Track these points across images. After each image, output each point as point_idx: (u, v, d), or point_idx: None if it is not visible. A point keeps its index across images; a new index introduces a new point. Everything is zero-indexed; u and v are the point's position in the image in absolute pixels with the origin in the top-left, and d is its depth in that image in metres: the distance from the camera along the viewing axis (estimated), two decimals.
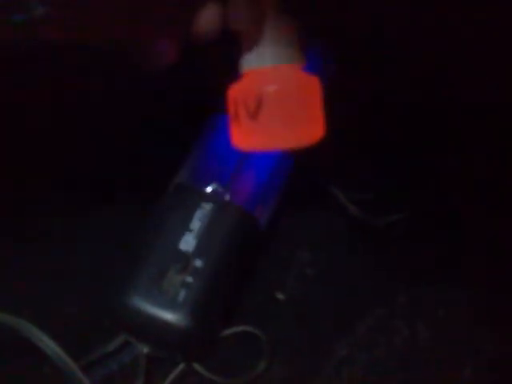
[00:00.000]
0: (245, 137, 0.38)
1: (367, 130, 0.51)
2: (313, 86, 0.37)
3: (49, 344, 0.39)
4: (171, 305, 0.40)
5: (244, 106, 0.36)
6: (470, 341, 0.45)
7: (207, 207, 0.43)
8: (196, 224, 0.42)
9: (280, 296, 0.48)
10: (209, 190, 0.44)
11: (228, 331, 0.44)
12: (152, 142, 0.51)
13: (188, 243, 0.42)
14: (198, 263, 0.41)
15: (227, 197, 0.44)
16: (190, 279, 0.40)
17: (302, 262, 0.49)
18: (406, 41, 0.49)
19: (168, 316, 0.40)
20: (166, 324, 0.39)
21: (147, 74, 0.35)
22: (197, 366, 0.43)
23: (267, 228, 0.47)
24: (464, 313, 0.46)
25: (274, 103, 0.36)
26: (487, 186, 0.50)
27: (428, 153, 0.51)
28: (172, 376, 0.43)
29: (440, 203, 0.50)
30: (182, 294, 0.40)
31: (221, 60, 0.42)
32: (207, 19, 0.33)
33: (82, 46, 0.30)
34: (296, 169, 0.49)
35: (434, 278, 0.48)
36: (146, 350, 0.42)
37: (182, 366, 0.43)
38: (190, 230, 0.42)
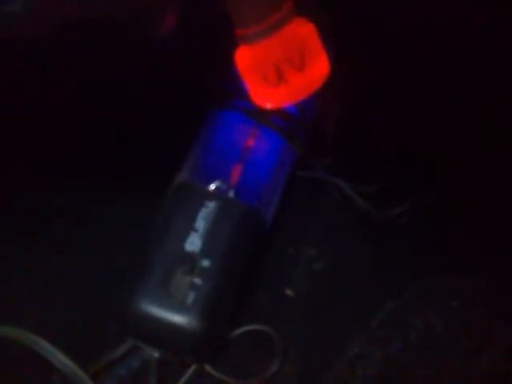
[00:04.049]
0: (289, 93, 0.41)
1: (370, 121, 0.50)
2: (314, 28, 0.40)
3: (56, 354, 0.38)
4: (181, 308, 0.39)
5: (289, 63, 0.39)
6: (485, 331, 0.45)
7: (211, 205, 0.42)
8: (200, 223, 0.41)
9: (289, 293, 0.47)
10: (212, 187, 0.43)
11: (238, 330, 0.43)
12: (151, 139, 0.50)
13: (194, 243, 0.41)
14: (205, 263, 0.40)
15: (231, 194, 0.43)
16: (197, 280, 0.39)
17: (309, 258, 0.48)
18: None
19: (178, 319, 0.39)
20: (176, 327, 0.39)
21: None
22: (208, 368, 0.42)
23: (272, 224, 0.46)
24: (478, 303, 0.46)
25: (315, 49, 0.40)
26: (491, 175, 0.49)
27: (433, 144, 0.50)
28: (184, 379, 0.42)
29: (449, 193, 0.49)
30: (191, 296, 0.39)
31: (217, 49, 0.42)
32: None
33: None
34: (300, 163, 0.48)
35: (445, 268, 0.47)
36: (156, 354, 0.41)
37: (193, 368, 0.42)
38: (196, 230, 0.41)
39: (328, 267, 0.48)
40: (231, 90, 0.46)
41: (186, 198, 0.43)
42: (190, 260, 0.40)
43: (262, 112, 0.45)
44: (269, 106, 0.43)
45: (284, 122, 0.46)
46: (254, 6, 0.38)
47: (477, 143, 0.50)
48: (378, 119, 0.50)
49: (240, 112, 0.46)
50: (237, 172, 0.44)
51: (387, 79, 0.50)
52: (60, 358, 0.38)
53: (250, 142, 0.45)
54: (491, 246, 0.47)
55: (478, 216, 0.48)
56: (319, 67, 0.41)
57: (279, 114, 0.46)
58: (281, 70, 0.39)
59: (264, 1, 0.37)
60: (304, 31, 0.40)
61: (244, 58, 0.40)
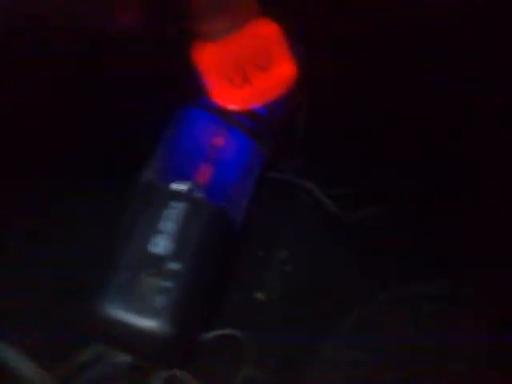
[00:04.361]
0: (254, 95, 0.40)
1: (340, 122, 0.49)
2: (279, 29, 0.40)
3: (21, 360, 0.36)
4: (149, 311, 0.37)
5: (254, 63, 0.38)
6: (457, 335, 0.44)
7: (179, 206, 0.41)
8: (168, 225, 0.40)
9: (260, 296, 0.46)
10: (179, 187, 0.41)
11: (210, 335, 0.42)
12: (117, 136, 0.48)
13: (161, 245, 0.39)
14: (174, 266, 0.39)
15: (199, 194, 0.42)
16: (166, 283, 0.38)
17: (280, 260, 0.47)
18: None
19: (147, 323, 0.37)
20: (145, 332, 0.37)
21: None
22: (180, 373, 0.40)
23: (242, 226, 0.45)
24: (449, 307, 0.45)
25: (280, 50, 0.39)
26: (463, 177, 0.49)
27: (403, 147, 0.50)
28: None
29: (417, 196, 0.49)
30: (160, 300, 0.37)
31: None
32: None
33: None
34: (269, 165, 0.47)
35: (416, 272, 0.46)
36: (128, 359, 0.39)
37: (164, 374, 0.41)
38: (162, 232, 0.40)
39: (299, 269, 0.47)
40: (198, 87, 0.45)
41: (153, 199, 0.41)
42: (158, 262, 0.38)
43: (229, 111, 0.44)
44: (232, 107, 0.42)
45: (251, 121, 0.45)
46: (219, 2, 0.37)
47: (447, 145, 0.50)
48: (348, 120, 0.50)
49: (207, 110, 0.45)
50: (204, 171, 0.43)
51: (357, 80, 0.49)
52: (25, 364, 0.36)
53: (218, 141, 0.44)
54: (464, 249, 0.47)
55: (447, 218, 0.48)
56: (285, 69, 0.41)
57: (247, 113, 0.45)
58: (245, 71, 0.38)
59: None
60: (268, 31, 0.39)
61: (204, 56, 0.39)
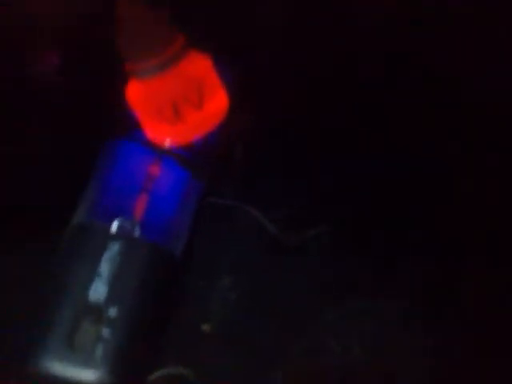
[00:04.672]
0: (187, 131, 0.40)
1: (279, 146, 0.49)
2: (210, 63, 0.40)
3: None
4: (88, 362, 0.36)
5: (186, 101, 0.37)
6: (402, 351, 0.44)
7: (115, 247, 0.39)
8: (104, 268, 0.39)
9: (206, 328, 0.45)
10: (114, 226, 0.40)
11: (155, 375, 0.41)
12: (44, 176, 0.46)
13: (98, 291, 0.38)
14: (112, 312, 0.37)
15: (136, 232, 0.40)
16: (105, 331, 0.37)
17: (223, 288, 0.46)
18: None
19: (86, 375, 0.36)
20: None
21: None
22: None
23: (182, 258, 0.44)
24: (393, 324, 0.45)
25: (212, 85, 0.39)
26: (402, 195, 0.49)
27: (343, 169, 0.50)
28: None
29: (354, 216, 0.49)
30: (99, 349, 0.36)
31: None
32: None
33: None
34: (208, 191, 0.46)
35: (362, 290, 0.46)
36: None
37: None
38: (99, 276, 0.38)
39: (243, 296, 0.46)
40: (128, 120, 0.44)
41: (87, 241, 0.40)
42: (96, 309, 0.37)
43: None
44: (166, 143, 0.41)
45: (186, 151, 0.44)
46: (143, 40, 0.35)
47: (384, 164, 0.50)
48: (287, 145, 0.49)
49: (139, 142, 0.44)
50: (140, 207, 0.42)
51: (295, 105, 0.49)
52: None
53: (152, 175, 0.43)
54: (404, 265, 0.47)
55: (384, 235, 0.48)
56: (217, 103, 0.40)
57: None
58: (177, 107, 0.37)
59: (154, 35, 0.35)
60: (198, 66, 0.38)
61: (136, 93, 0.38)
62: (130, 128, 0.43)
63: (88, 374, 0.36)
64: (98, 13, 0.37)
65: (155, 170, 0.43)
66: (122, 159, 0.44)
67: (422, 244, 0.47)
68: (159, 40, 0.35)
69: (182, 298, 0.45)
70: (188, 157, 0.44)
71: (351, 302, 0.46)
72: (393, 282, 0.46)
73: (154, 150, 0.43)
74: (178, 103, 0.37)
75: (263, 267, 0.47)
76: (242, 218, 0.48)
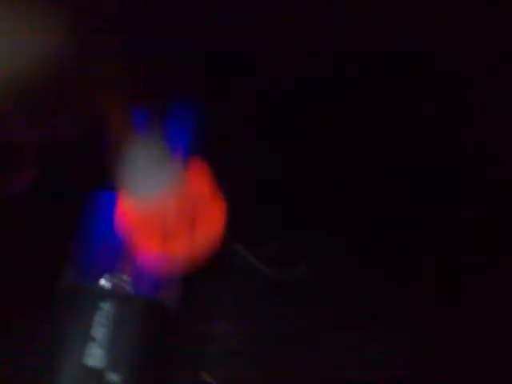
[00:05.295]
0: (183, 249, 0.40)
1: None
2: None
3: None
4: None
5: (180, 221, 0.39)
6: None
7: (106, 306, 0.37)
8: (99, 331, 0.37)
9: (206, 377, 0.43)
10: (104, 284, 0.38)
11: None
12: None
13: (96, 356, 0.36)
14: (113, 377, 0.35)
15: (127, 288, 0.39)
16: None
17: (222, 335, 0.45)
18: None
19: None
20: None
21: None
22: None
23: (177, 308, 0.42)
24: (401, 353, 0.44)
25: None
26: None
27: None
28: None
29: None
30: None
31: None
32: None
33: None
34: None
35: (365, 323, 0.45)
36: None
37: None
38: (94, 340, 0.36)
39: (244, 342, 0.44)
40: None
41: (78, 303, 0.38)
42: (96, 377, 0.35)
43: None
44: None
45: None
46: None
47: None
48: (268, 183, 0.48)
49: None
50: (127, 261, 0.40)
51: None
52: None
53: None
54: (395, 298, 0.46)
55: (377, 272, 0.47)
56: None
57: None
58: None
59: None
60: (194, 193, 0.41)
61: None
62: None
63: None
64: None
65: None
66: (104, 212, 0.42)
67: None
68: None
69: (182, 347, 0.43)
70: None
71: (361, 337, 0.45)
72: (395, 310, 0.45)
73: None
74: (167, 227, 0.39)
75: (263, 308, 0.46)
76: (230, 258, 0.47)
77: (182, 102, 0.41)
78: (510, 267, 0.45)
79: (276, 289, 0.46)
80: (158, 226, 0.39)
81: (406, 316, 0.45)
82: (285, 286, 0.46)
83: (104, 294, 0.38)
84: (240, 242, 0.47)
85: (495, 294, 0.44)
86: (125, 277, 0.39)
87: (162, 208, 0.39)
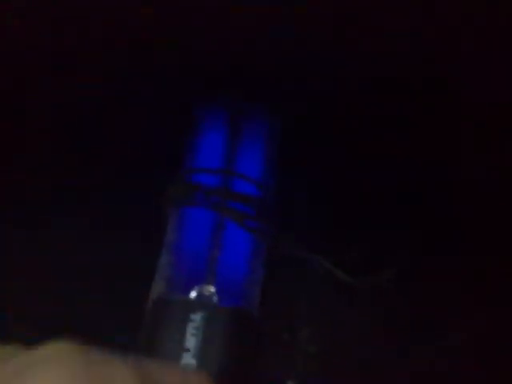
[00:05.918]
0: None
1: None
2: None
3: None
4: None
5: None
6: None
7: (197, 318, 0.39)
8: (191, 341, 0.39)
9: None
10: (193, 296, 0.40)
11: None
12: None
13: (188, 366, 0.38)
14: None
15: (215, 299, 0.40)
16: None
17: (302, 341, 0.46)
18: None
19: None
20: None
21: None
22: None
23: (260, 316, 0.44)
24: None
25: None
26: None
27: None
28: None
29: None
30: None
31: None
32: None
33: None
34: (274, 244, 0.46)
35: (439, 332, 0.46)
36: None
37: None
38: (187, 350, 0.38)
39: (324, 349, 0.46)
40: (189, 184, 0.44)
41: (170, 314, 0.40)
42: None
43: (224, 203, 0.43)
44: None
45: (248, 207, 0.44)
46: None
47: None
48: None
49: (201, 207, 0.44)
50: (213, 272, 0.42)
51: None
52: None
53: (219, 239, 0.43)
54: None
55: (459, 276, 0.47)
56: None
57: (241, 199, 0.44)
58: None
59: None
60: None
61: None
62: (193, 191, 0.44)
63: None
64: None
65: (222, 233, 0.43)
66: (189, 226, 0.44)
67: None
68: None
69: (266, 354, 0.45)
70: (251, 212, 0.44)
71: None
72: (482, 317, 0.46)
73: (218, 213, 0.44)
74: None
75: (338, 313, 0.47)
76: (311, 266, 0.48)
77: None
78: None
79: (356, 297, 0.47)
80: None
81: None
82: (366, 294, 0.47)
83: (194, 306, 0.40)
84: (317, 249, 0.48)
85: None
86: (212, 288, 0.41)
87: None
